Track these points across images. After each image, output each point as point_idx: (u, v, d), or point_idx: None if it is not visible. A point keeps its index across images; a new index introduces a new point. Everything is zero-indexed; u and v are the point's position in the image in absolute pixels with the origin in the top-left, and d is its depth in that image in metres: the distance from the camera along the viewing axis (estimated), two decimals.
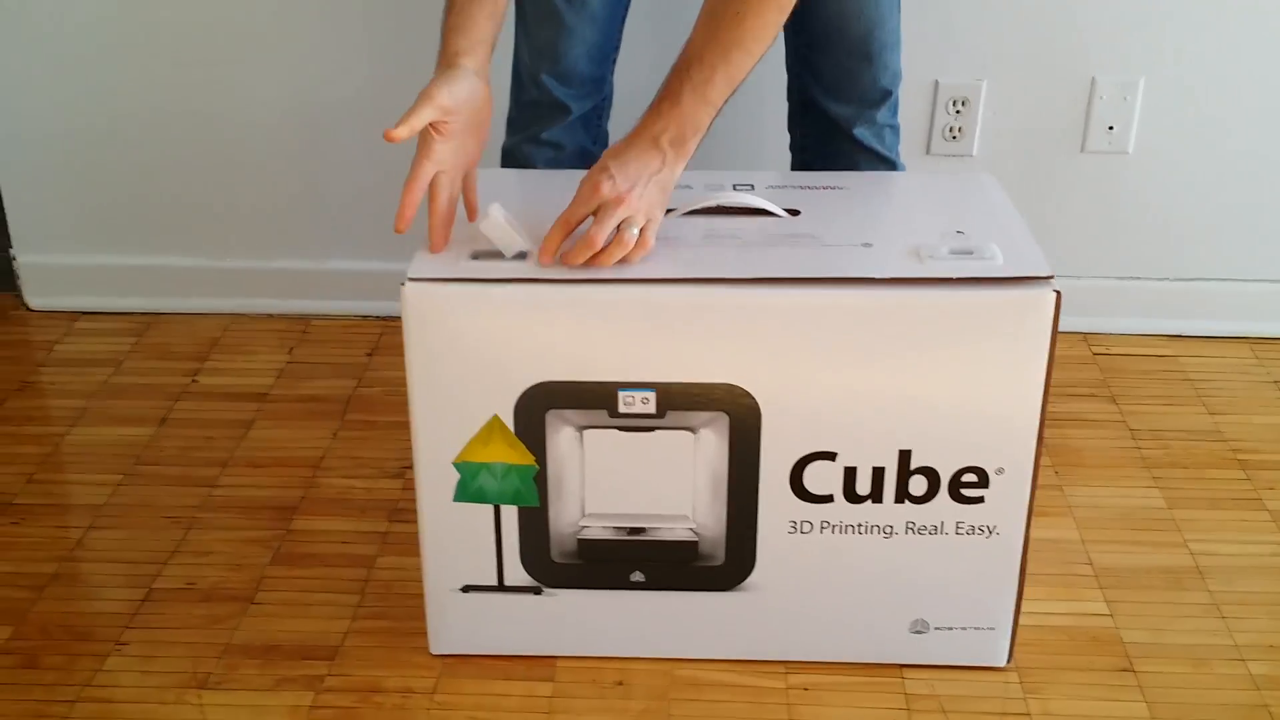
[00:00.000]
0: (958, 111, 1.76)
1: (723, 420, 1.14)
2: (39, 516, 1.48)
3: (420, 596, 1.26)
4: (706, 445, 1.15)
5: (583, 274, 1.10)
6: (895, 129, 1.47)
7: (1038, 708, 1.21)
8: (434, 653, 1.26)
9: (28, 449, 1.60)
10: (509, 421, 1.14)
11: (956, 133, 1.77)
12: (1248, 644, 1.28)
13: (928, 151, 1.78)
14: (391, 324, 1.88)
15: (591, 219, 1.10)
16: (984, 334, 1.10)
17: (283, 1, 1.75)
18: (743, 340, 1.11)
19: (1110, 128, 1.75)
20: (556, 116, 1.45)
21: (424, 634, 1.27)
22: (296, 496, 1.51)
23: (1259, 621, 1.32)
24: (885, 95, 1.43)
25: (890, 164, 1.46)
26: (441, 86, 1.11)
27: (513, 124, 1.49)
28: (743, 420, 1.14)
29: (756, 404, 1.13)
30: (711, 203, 1.21)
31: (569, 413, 1.14)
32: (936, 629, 1.23)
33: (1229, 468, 1.56)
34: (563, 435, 1.15)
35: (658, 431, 1.15)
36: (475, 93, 1.14)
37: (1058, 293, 1.09)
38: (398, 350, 1.76)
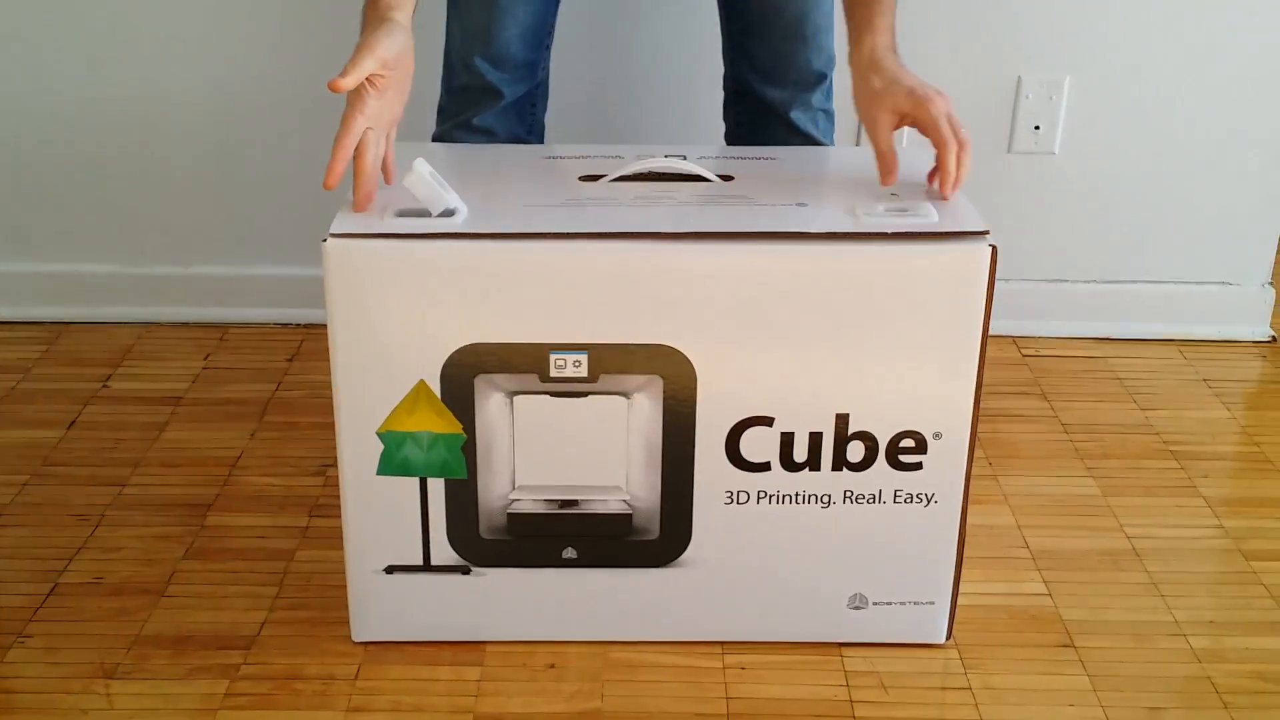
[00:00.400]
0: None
1: (656, 384, 1.11)
2: None
3: (342, 588, 1.20)
4: (640, 411, 1.12)
5: (513, 229, 1.07)
6: (830, 114, 1.46)
7: (979, 682, 1.18)
8: (356, 640, 1.21)
9: None
10: (436, 387, 1.10)
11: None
12: (1187, 620, 1.27)
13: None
14: (313, 330, 1.84)
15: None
16: (920, 290, 1.09)
17: (198, 2, 1.71)
18: (677, 299, 1.08)
19: (1036, 127, 1.77)
20: (488, 101, 1.42)
21: (346, 623, 1.21)
22: (211, 494, 1.45)
23: (1198, 599, 1.30)
24: (820, 78, 1.42)
25: (824, 149, 1.45)
26: (382, 39, 1.09)
27: (443, 111, 1.46)
28: (677, 384, 1.11)
29: (691, 366, 1.10)
30: (643, 168, 1.19)
31: (498, 377, 1.10)
32: (875, 604, 1.20)
33: (1162, 458, 1.56)
34: (492, 401, 1.11)
35: (590, 397, 1.11)
36: (408, 48, 1.12)
37: (993, 247, 1.08)
38: (319, 355, 1.72)
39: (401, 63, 1.11)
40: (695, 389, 1.11)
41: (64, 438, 1.56)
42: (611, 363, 1.10)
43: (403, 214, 1.09)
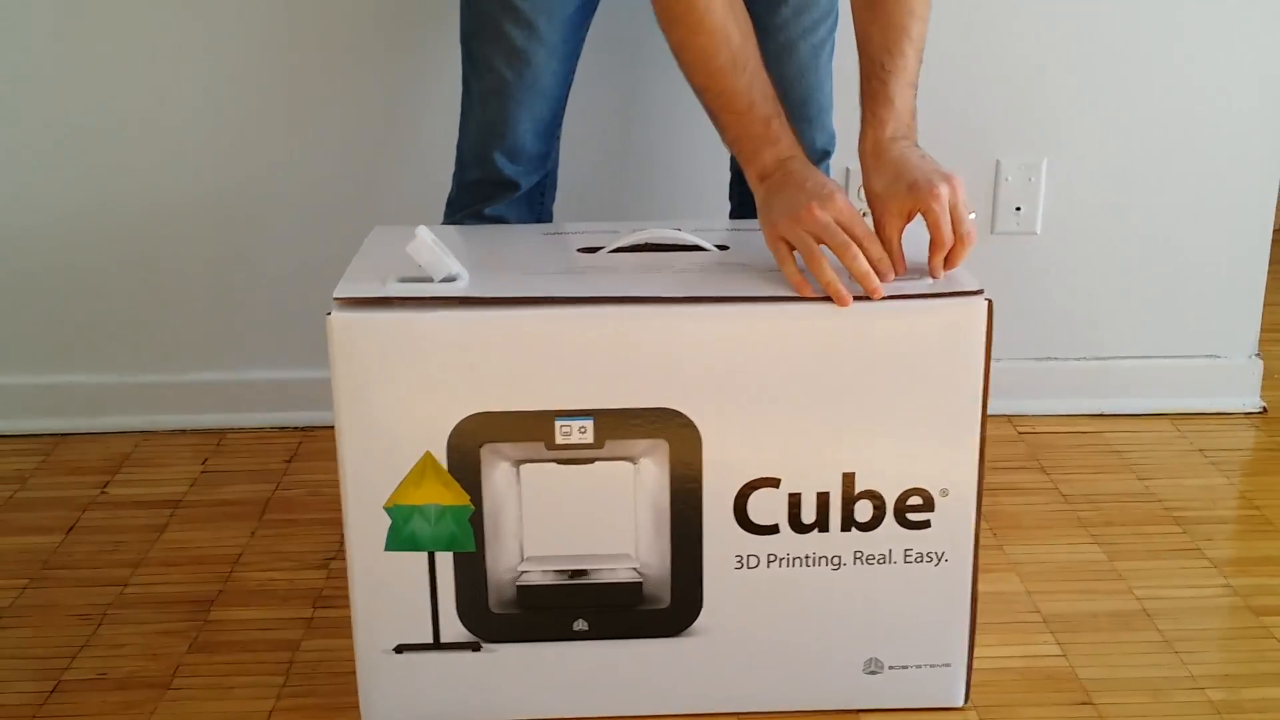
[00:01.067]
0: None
1: (663, 448, 1.11)
2: None
3: (350, 675, 1.19)
4: (647, 476, 1.12)
5: (515, 293, 1.09)
6: None
7: None
8: None
9: None
10: (442, 458, 1.11)
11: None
12: (1203, 674, 1.26)
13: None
14: (311, 433, 1.84)
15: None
16: (919, 347, 1.10)
17: (192, 102, 1.75)
18: (679, 363, 1.09)
19: (1018, 208, 1.80)
20: (502, 194, 1.45)
21: (355, 708, 1.20)
22: (214, 590, 1.44)
23: (1212, 654, 1.30)
24: (824, 156, 1.46)
25: None
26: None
27: (453, 204, 1.49)
28: (683, 447, 1.11)
29: (696, 429, 1.11)
30: (640, 239, 1.21)
31: (504, 446, 1.11)
32: (891, 668, 1.19)
33: (1165, 524, 1.56)
34: (499, 471, 1.12)
35: (597, 463, 1.12)
36: None
37: (989, 301, 1.10)
38: (319, 456, 1.73)
39: None
40: (701, 452, 1.12)
41: (63, 542, 1.55)
42: (617, 428, 1.11)
43: (405, 280, 1.11)
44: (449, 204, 1.49)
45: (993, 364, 1.86)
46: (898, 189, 1.13)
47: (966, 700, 1.21)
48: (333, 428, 1.10)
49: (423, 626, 1.16)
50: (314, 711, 1.22)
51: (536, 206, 1.49)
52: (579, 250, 1.21)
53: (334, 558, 1.50)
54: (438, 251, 1.09)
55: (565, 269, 1.16)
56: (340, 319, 1.08)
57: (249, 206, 1.79)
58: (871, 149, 1.18)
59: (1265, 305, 1.89)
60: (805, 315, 1.09)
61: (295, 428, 1.86)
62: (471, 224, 1.45)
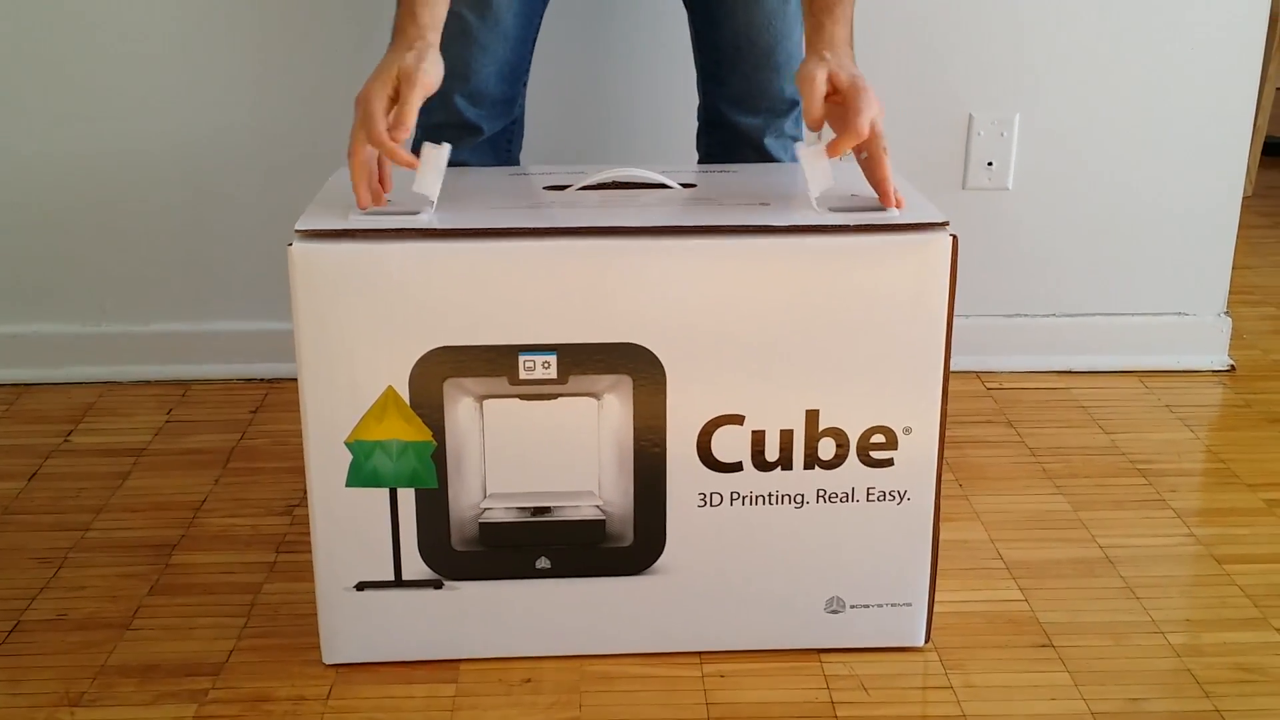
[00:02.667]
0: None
1: (626, 384, 1.11)
2: None
3: (312, 617, 1.18)
4: (611, 412, 1.12)
5: (479, 225, 1.08)
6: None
7: (959, 681, 1.17)
8: (328, 663, 1.19)
9: None
10: (405, 393, 1.10)
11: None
12: (1165, 619, 1.26)
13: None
14: (277, 385, 1.83)
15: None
16: (884, 282, 1.10)
17: (158, 51, 1.73)
18: (645, 296, 1.09)
19: (989, 164, 1.80)
20: (465, 138, 1.43)
21: (316, 648, 1.19)
22: (176, 535, 1.43)
23: (1174, 601, 1.30)
24: (793, 105, 1.45)
25: None
26: (430, 70, 1.11)
27: (417, 147, 1.47)
28: (647, 383, 1.11)
29: (661, 365, 1.10)
30: (607, 178, 1.20)
31: (468, 381, 1.10)
32: (852, 607, 1.19)
33: (1130, 476, 1.57)
34: (461, 406, 1.11)
35: (560, 399, 1.11)
36: (441, 73, 1.15)
37: (954, 236, 1.09)
38: (285, 407, 1.72)
39: (437, 87, 1.14)
40: (665, 389, 1.11)
41: (25, 488, 1.53)
42: (581, 363, 1.10)
43: (370, 213, 1.10)
44: (414, 147, 1.48)
45: (962, 320, 1.88)
46: (843, 68, 1.14)
47: (927, 640, 1.21)
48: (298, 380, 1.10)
49: (384, 564, 1.15)
50: (274, 651, 1.21)
51: (503, 154, 1.48)
52: (545, 188, 1.20)
53: (298, 505, 1.49)
54: (437, 174, 1.08)
55: (531, 204, 1.15)
56: (301, 250, 1.07)
57: (214, 156, 1.77)
58: (829, 39, 1.17)
59: (1236, 268, 1.90)
60: (771, 248, 1.09)
61: (261, 379, 1.84)
62: None
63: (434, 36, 1.15)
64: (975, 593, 1.31)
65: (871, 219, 1.10)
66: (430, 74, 1.12)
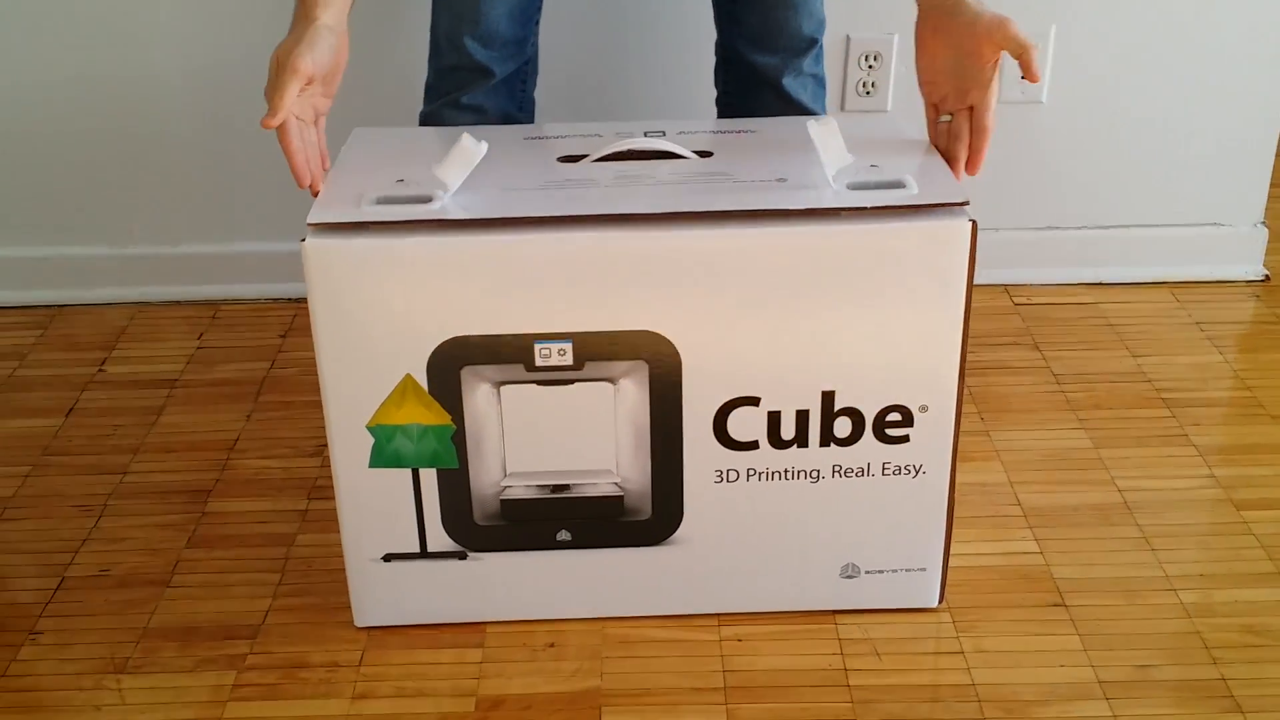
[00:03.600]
0: (870, 67, 1.75)
1: (642, 369, 1.12)
2: None
3: (343, 572, 1.22)
4: (627, 396, 1.13)
5: (492, 214, 1.07)
6: (820, 80, 1.46)
7: (970, 645, 1.20)
8: (359, 625, 1.23)
9: None
10: (422, 380, 1.11)
11: (870, 88, 1.76)
12: (1178, 574, 1.28)
13: (842, 108, 1.78)
14: (305, 305, 1.83)
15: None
16: (901, 264, 1.09)
17: None
18: (659, 284, 1.09)
19: (1023, 77, 1.75)
20: (478, 80, 1.41)
21: (348, 608, 1.23)
22: (211, 479, 1.46)
23: (1188, 552, 1.32)
24: (811, 43, 1.42)
25: (814, 116, 1.44)
26: (304, 55, 1.10)
27: (431, 90, 1.46)
28: (662, 368, 1.11)
29: (676, 350, 1.11)
30: (621, 147, 1.18)
31: (484, 369, 1.11)
32: (867, 573, 1.22)
33: (1153, 407, 1.57)
34: (479, 393, 1.12)
35: (576, 384, 1.12)
36: (333, 52, 1.14)
37: (973, 221, 1.08)
38: (311, 332, 1.72)
39: (326, 68, 1.13)
40: (680, 372, 1.12)
41: (63, 425, 1.57)
42: (596, 350, 1.11)
43: (382, 200, 1.09)
44: (427, 89, 1.46)
45: (993, 234, 1.86)
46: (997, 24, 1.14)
47: (941, 601, 1.24)
48: None
49: (409, 537, 1.18)
50: (308, 611, 1.26)
51: (517, 94, 1.46)
52: (559, 160, 1.19)
53: (326, 445, 1.51)
54: (463, 168, 1.08)
55: (544, 182, 1.14)
56: (315, 245, 1.07)
57: (241, 78, 1.75)
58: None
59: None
60: (786, 234, 1.08)
61: (289, 299, 1.86)
62: (449, 113, 1.42)
63: (326, 15, 1.14)
64: (991, 544, 1.33)
65: (890, 199, 1.09)
66: (307, 58, 1.10)
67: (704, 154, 1.19)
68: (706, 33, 1.49)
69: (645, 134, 1.23)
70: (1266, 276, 1.87)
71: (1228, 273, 1.86)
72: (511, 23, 1.40)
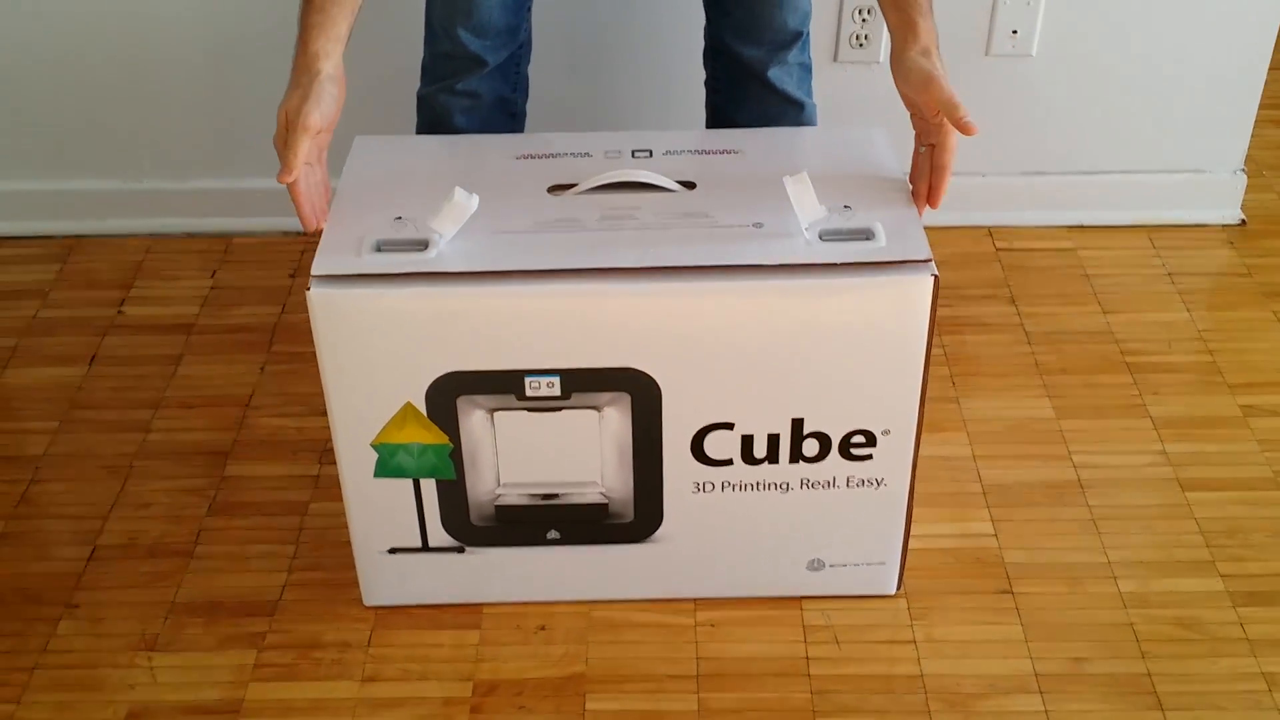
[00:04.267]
0: (864, 20, 1.77)
1: (625, 399, 1.21)
2: None
3: (351, 545, 1.33)
4: (611, 422, 1.22)
5: (484, 266, 1.15)
6: (807, 67, 1.49)
7: (923, 634, 1.32)
8: (367, 604, 1.35)
9: None
10: (421, 408, 1.20)
11: (863, 40, 1.79)
12: (1120, 560, 1.39)
13: (835, 59, 1.80)
14: (314, 241, 1.91)
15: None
16: (867, 314, 1.16)
17: None
18: (641, 327, 1.17)
19: (1014, 31, 1.78)
20: (472, 69, 1.45)
21: (357, 585, 1.35)
22: (229, 440, 1.57)
23: (1133, 536, 1.42)
24: (797, 36, 1.45)
25: (799, 105, 1.48)
26: (313, 112, 1.16)
27: (427, 72, 1.50)
28: (644, 399, 1.20)
29: (656, 384, 1.19)
30: (609, 179, 1.24)
31: (478, 398, 1.20)
32: (831, 566, 1.33)
33: (1117, 372, 1.65)
34: (474, 418, 1.22)
35: (564, 411, 1.21)
36: (336, 100, 1.19)
37: (935, 276, 1.15)
38: None
39: (331, 119, 1.19)
40: (661, 402, 1.21)
41: (88, 375, 1.67)
42: (582, 383, 1.19)
43: (382, 247, 1.17)
44: (424, 70, 1.50)
45: (979, 178, 1.91)
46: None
47: (899, 588, 1.35)
48: None
49: (412, 535, 1.29)
50: (321, 587, 1.38)
51: (511, 77, 1.50)
52: (549, 190, 1.25)
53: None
54: (455, 216, 1.15)
55: (534, 223, 1.20)
56: (319, 294, 1.15)
57: (248, 12, 1.78)
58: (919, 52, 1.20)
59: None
60: (760, 288, 1.15)
61: (298, 233, 1.93)
62: (445, 98, 1.47)
63: (328, 65, 1.18)
64: (949, 525, 1.44)
65: (858, 252, 1.16)
66: (315, 115, 1.16)
67: (688, 184, 1.25)
68: (696, 19, 1.52)
69: (633, 153, 1.28)
70: (1243, 220, 1.92)
71: (1205, 217, 1.92)
72: (504, 13, 1.43)
